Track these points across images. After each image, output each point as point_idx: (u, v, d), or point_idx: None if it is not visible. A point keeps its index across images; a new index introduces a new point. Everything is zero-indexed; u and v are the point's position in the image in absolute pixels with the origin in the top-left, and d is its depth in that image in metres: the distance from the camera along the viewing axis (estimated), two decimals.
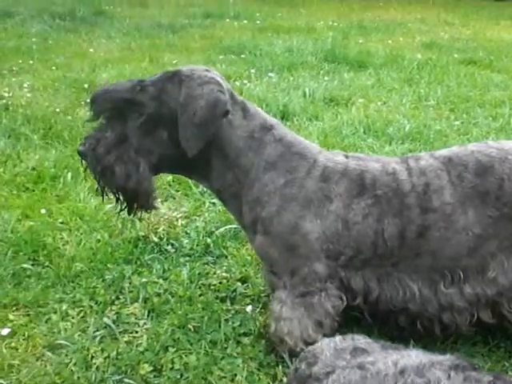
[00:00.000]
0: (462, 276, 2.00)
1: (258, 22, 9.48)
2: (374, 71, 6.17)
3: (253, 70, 6.06)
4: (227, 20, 9.60)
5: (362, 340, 1.46)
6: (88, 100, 2.03)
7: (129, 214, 2.13)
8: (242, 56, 6.79)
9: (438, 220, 1.96)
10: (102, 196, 2.11)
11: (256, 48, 7.07)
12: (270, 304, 2.16)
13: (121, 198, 2.07)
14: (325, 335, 1.93)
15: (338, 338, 1.50)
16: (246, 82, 5.62)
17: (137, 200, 2.06)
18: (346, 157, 2.09)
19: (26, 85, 5.40)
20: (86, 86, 5.33)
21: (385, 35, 8.62)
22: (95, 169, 2.00)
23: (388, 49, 7.34)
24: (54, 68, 6.07)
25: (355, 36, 8.35)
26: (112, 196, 2.10)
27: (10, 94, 5.07)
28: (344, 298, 2.04)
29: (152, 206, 2.11)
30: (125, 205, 2.10)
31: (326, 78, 5.85)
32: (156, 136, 1.97)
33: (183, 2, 11.53)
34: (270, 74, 5.95)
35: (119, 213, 2.14)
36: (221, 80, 2.00)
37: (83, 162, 2.05)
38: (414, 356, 1.29)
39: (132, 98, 1.95)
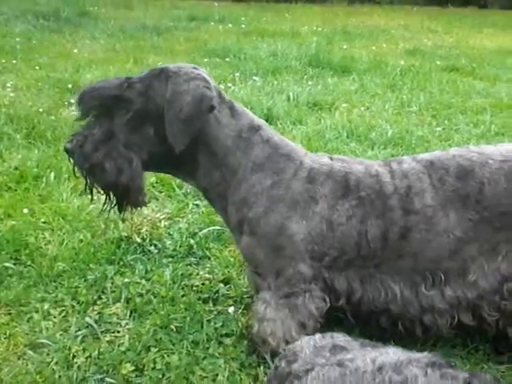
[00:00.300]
0: (443, 278, 2.03)
1: (243, 25, 9.51)
2: (358, 76, 6.22)
3: (237, 74, 6.08)
4: (212, 23, 9.62)
5: (341, 338, 1.48)
6: (76, 98, 2.02)
7: (119, 211, 2.12)
8: (227, 59, 6.82)
9: (419, 222, 1.98)
10: (91, 194, 2.10)
11: (241, 51, 7.10)
12: (253, 305, 2.16)
13: (110, 195, 2.07)
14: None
15: (317, 336, 1.51)
16: (230, 85, 5.63)
17: (128, 196, 2.05)
18: (331, 159, 2.11)
19: (9, 84, 5.37)
20: (69, 86, 5.32)
21: (368, 41, 8.69)
22: (83, 166, 1.99)
23: (371, 55, 7.41)
24: (37, 68, 6.04)
25: (339, 41, 8.42)
26: (101, 194, 2.10)
27: None
28: (327, 300, 2.05)
29: (143, 202, 2.11)
30: (114, 202, 2.09)
31: (309, 83, 5.88)
32: (143, 132, 1.98)
33: (168, 5, 11.53)
34: (255, 78, 5.97)
35: (109, 211, 2.13)
36: (208, 77, 2.01)
37: (70, 159, 2.04)
38: (391, 353, 1.31)
39: (120, 95, 1.95)
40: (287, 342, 2.00)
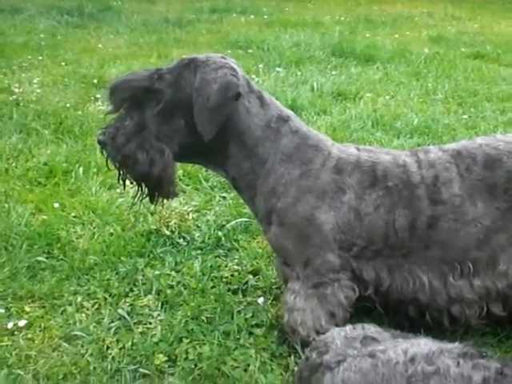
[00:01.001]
0: (471, 268, 2.03)
1: (265, 16, 9.48)
2: (382, 65, 6.18)
3: (261, 65, 6.08)
4: (234, 15, 9.61)
5: (372, 329, 1.49)
6: (106, 91, 2.05)
7: (151, 202, 2.15)
8: (250, 51, 6.81)
9: (447, 211, 1.98)
10: (123, 186, 2.14)
11: (263, 43, 7.08)
12: (282, 295, 2.19)
13: (142, 186, 2.10)
14: (337, 326, 1.95)
15: (348, 327, 1.52)
16: (253, 76, 5.63)
17: (160, 187, 2.08)
18: (358, 149, 2.12)
19: (35, 80, 5.43)
20: (95, 81, 5.37)
21: (392, 29, 8.62)
22: (115, 158, 2.02)
23: (395, 43, 7.35)
24: (63, 64, 6.10)
25: (362, 30, 8.35)
26: (133, 185, 2.13)
27: (21, 90, 5.11)
28: (356, 289, 2.07)
29: (174, 193, 2.14)
30: (146, 194, 2.12)
31: (333, 73, 5.86)
32: (174, 123, 2.00)
33: None
34: (278, 69, 5.96)
35: (140, 202, 2.16)
36: (235, 66, 2.02)
37: (103, 151, 2.07)
38: (423, 344, 1.32)
39: (150, 86, 1.97)
40: (317, 332, 2.02)
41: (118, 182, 2.12)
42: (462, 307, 2.06)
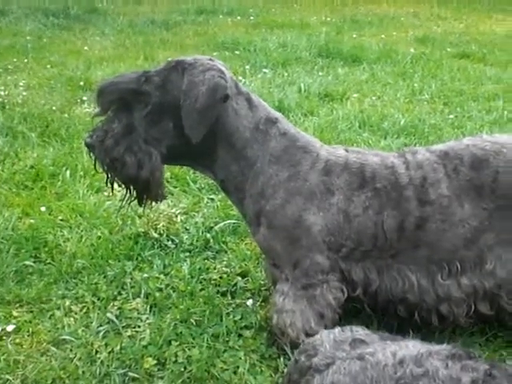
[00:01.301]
0: (459, 268, 2.04)
1: (252, 17, 9.49)
2: (368, 66, 6.20)
3: (247, 66, 6.09)
4: (220, 16, 9.61)
5: (360, 331, 1.49)
6: (94, 93, 2.05)
7: (139, 204, 2.15)
8: (237, 52, 6.81)
9: (435, 212, 1.99)
10: (111, 189, 2.14)
11: (250, 44, 7.09)
12: (271, 297, 2.19)
13: (131, 189, 2.09)
14: (326, 327, 1.96)
15: (337, 329, 1.52)
16: (240, 78, 5.63)
17: (149, 190, 2.08)
18: (346, 151, 2.13)
19: (21, 83, 5.41)
20: (81, 83, 5.35)
21: (378, 30, 8.65)
22: (104, 160, 2.02)
23: (381, 43, 7.38)
24: (48, 66, 6.07)
25: (348, 31, 8.38)
26: (121, 188, 2.13)
27: (6, 93, 5.08)
28: (345, 290, 2.07)
29: (162, 196, 2.14)
30: (134, 196, 2.12)
31: (320, 74, 5.88)
32: (162, 126, 2.00)
33: None
34: (265, 70, 5.97)
35: (128, 205, 2.16)
36: (223, 68, 2.02)
37: (91, 154, 2.06)
38: (411, 346, 1.32)
39: (138, 89, 1.97)
40: (306, 333, 2.02)
41: (106, 184, 2.12)
42: (450, 306, 2.07)
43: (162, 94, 1.97)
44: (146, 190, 2.08)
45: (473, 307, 2.07)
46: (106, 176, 2.08)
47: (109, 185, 2.11)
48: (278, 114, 2.15)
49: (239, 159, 2.07)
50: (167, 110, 1.98)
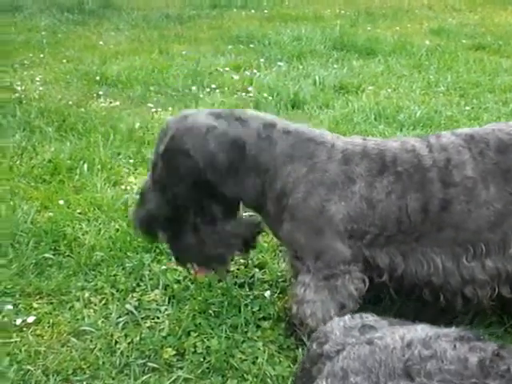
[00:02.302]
0: (483, 250, 2.04)
1: (266, 11, 9.46)
2: (383, 58, 6.18)
3: (262, 60, 6.08)
4: (234, 10, 9.59)
5: (370, 318, 1.50)
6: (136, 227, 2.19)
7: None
8: (251, 45, 6.81)
9: (459, 194, 1.99)
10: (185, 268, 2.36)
11: (264, 37, 7.07)
12: (291, 288, 2.19)
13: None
14: None
15: (347, 317, 1.54)
16: (255, 71, 5.64)
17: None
18: (364, 139, 2.13)
19: (37, 78, 5.44)
20: (97, 78, 5.37)
21: (393, 22, 8.60)
22: (183, 261, 2.27)
23: (396, 35, 7.34)
24: (64, 61, 6.10)
25: (363, 23, 8.34)
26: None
27: (23, 88, 5.12)
28: (367, 281, 2.08)
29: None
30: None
31: (335, 66, 5.86)
32: (211, 205, 2.10)
33: None
34: (280, 63, 5.96)
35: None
36: (211, 121, 2.06)
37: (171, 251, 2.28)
38: (420, 330, 1.33)
39: (171, 211, 2.09)
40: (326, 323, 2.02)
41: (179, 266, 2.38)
42: (474, 288, 2.07)
43: (186, 184, 2.04)
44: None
45: (496, 290, 2.07)
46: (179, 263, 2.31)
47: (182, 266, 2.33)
48: (273, 117, 2.17)
49: (257, 175, 2.08)
50: (199, 188, 2.04)
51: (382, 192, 2.00)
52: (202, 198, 2.05)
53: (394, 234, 2.04)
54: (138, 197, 2.23)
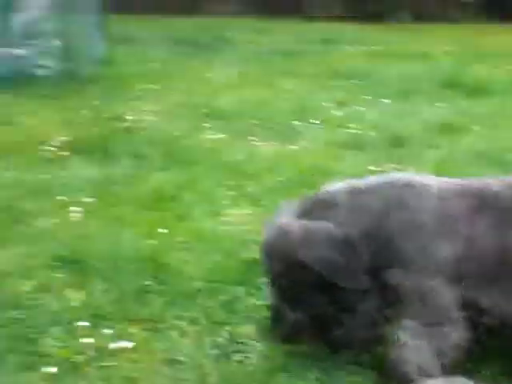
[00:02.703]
0: None
1: (372, 47, 9.46)
2: (494, 98, 5.99)
3: (366, 96, 6.06)
4: (342, 45, 9.64)
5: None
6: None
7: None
8: (356, 81, 6.80)
9: None
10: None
11: (370, 73, 7.06)
12: (393, 333, 2.13)
13: None
14: (445, 367, 1.91)
15: (440, 379, 1.48)
16: (358, 107, 5.63)
17: None
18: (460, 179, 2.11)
19: (147, 109, 5.67)
20: (204, 110, 5.53)
21: (504, 61, 8.34)
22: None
23: (508, 75, 7.11)
24: (175, 93, 6.32)
25: (472, 62, 8.14)
26: None
27: (132, 118, 5.34)
28: (470, 331, 2.00)
29: None
30: None
31: (441, 105, 5.75)
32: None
33: (300, 28, 11.67)
34: (384, 100, 5.92)
35: None
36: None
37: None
38: None
39: None
40: (421, 370, 1.96)
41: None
42: None
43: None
44: None
45: None
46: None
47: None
48: (349, 182, 2.16)
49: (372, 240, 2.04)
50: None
51: (483, 230, 1.95)
52: None
53: (497, 273, 1.96)
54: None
